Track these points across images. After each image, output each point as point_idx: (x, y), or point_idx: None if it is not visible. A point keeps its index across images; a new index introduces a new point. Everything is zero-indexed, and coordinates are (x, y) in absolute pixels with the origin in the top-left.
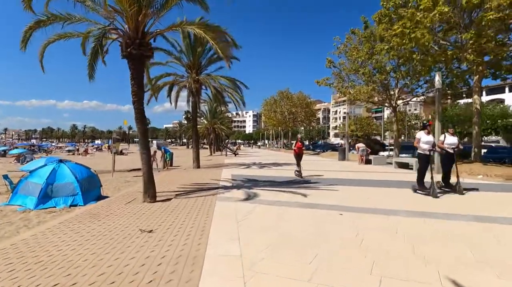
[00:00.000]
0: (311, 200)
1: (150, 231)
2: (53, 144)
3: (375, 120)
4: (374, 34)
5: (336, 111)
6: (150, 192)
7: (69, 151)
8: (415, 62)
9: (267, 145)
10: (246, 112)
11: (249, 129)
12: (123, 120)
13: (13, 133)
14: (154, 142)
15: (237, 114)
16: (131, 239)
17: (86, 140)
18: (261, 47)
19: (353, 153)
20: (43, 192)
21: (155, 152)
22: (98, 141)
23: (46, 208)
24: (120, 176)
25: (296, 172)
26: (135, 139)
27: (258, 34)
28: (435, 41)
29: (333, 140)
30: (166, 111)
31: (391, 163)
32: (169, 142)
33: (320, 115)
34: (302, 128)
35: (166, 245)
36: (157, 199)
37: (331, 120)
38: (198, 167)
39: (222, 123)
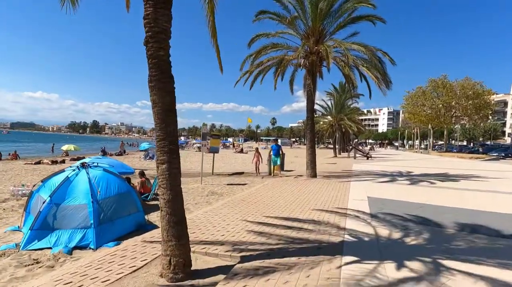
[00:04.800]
0: None
1: None
2: (188, 140)
3: None
4: None
5: None
6: (175, 258)
7: (198, 147)
8: None
9: (407, 147)
10: (380, 109)
11: (382, 127)
12: (252, 120)
13: None
14: (279, 141)
15: (368, 111)
16: None
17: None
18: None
19: None
20: (41, 219)
21: (257, 150)
22: (230, 139)
23: (37, 250)
24: (212, 182)
25: None
26: (261, 138)
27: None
28: None
29: (509, 141)
30: (294, 111)
31: None
32: (293, 141)
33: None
34: (457, 126)
35: None
36: (192, 268)
37: (508, 115)
38: (314, 175)
39: (350, 118)
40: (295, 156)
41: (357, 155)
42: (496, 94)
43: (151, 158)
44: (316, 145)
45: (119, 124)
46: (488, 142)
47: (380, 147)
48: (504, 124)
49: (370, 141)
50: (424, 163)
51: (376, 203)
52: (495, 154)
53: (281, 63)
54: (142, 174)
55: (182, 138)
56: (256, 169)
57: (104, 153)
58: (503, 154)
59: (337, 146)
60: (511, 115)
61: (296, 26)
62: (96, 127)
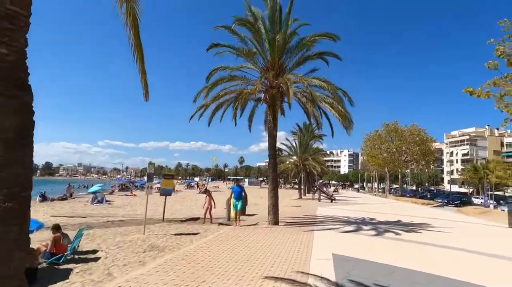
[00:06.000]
0: None
1: None
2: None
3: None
4: None
5: (452, 153)
6: None
7: (158, 188)
8: None
9: (367, 189)
10: (341, 151)
11: (344, 169)
12: (216, 158)
13: (132, 171)
14: (246, 180)
15: (330, 153)
16: None
17: (185, 178)
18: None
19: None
20: None
21: (207, 191)
22: (196, 179)
23: None
24: (158, 232)
25: None
26: (229, 177)
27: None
28: None
29: (448, 187)
30: (261, 150)
31: None
32: (261, 181)
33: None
34: (408, 170)
35: None
36: None
37: (444, 163)
38: (276, 222)
39: (315, 159)
40: (260, 197)
41: (321, 196)
42: (435, 142)
43: (99, 202)
44: (282, 185)
45: (77, 165)
46: (432, 187)
47: (342, 188)
48: (442, 171)
49: (334, 182)
50: (384, 208)
51: (342, 264)
52: (439, 201)
53: (240, 96)
54: (56, 228)
55: (145, 178)
56: (204, 216)
57: (44, 197)
58: (446, 201)
59: (302, 187)
60: (447, 162)
61: (255, 59)
62: (48, 169)
